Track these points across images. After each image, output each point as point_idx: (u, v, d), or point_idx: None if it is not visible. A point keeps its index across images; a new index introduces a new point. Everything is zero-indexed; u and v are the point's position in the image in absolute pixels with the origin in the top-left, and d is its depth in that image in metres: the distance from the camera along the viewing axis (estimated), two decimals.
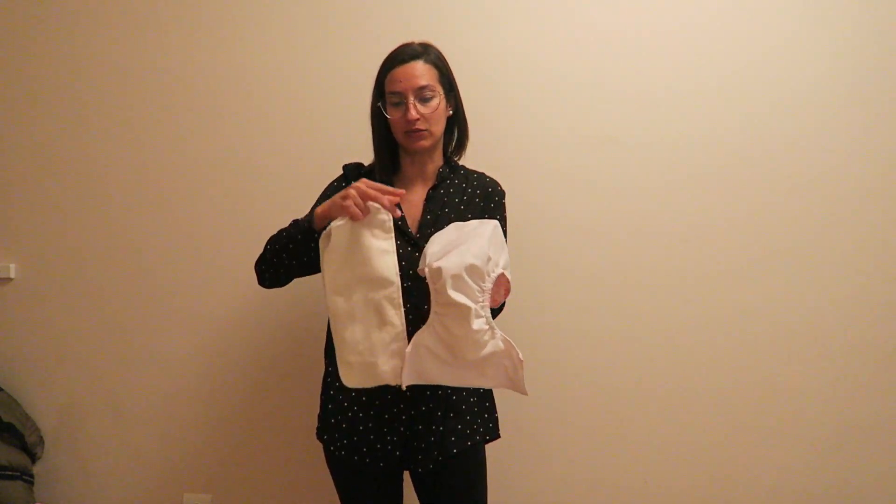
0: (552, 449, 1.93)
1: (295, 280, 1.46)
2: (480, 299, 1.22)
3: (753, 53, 1.88)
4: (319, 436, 1.48)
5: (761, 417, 1.90)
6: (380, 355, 1.25)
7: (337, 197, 1.28)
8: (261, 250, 1.43)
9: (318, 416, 1.50)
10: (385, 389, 1.35)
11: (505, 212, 1.53)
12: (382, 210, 1.26)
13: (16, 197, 2.03)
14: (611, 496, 1.93)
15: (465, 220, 1.45)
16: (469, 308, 1.20)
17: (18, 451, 1.90)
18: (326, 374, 1.50)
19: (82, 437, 2.03)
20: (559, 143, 1.91)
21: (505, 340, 1.26)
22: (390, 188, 1.28)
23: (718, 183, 1.89)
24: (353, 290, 1.26)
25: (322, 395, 1.50)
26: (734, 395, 1.90)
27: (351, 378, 1.29)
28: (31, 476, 1.92)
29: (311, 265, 1.38)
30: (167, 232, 1.99)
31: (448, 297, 1.19)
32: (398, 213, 1.28)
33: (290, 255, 1.37)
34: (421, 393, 1.39)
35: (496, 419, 1.52)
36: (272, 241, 1.41)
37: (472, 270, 1.21)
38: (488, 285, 1.23)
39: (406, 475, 1.54)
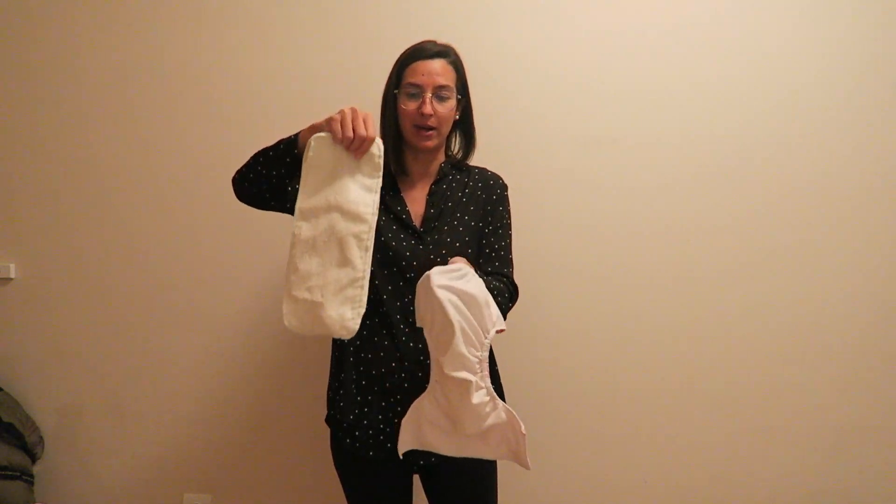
0: (551, 449, 1.93)
1: None
2: (479, 370, 1.17)
3: (753, 53, 1.88)
4: (328, 418, 1.47)
5: (761, 417, 1.90)
6: (330, 297, 1.14)
7: (326, 117, 1.25)
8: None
9: (327, 400, 1.48)
10: (389, 375, 1.36)
11: (508, 205, 1.53)
12: (377, 146, 1.21)
13: (16, 197, 2.03)
14: (610, 496, 1.93)
15: (468, 213, 1.46)
16: (469, 382, 1.15)
17: (18, 451, 1.90)
18: (334, 348, 1.48)
19: (82, 437, 2.03)
20: (559, 143, 1.91)
21: (507, 411, 1.21)
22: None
23: (719, 183, 1.90)
24: (322, 218, 1.16)
25: (330, 378, 1.49)
26: (734, 395, 1.90)
27: (292, 318, 1.17)
28: (31, 476, 1.92)
29: (282, 188, 1.34)
30: (167, 232, 1.99)
31: (446, 375, 1.15)
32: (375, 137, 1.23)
33: (267, 162, 1.33)
34: (421, 386, 1.38)
35: None
36: (255, 154, 1.37)
37: (468, 340, 1.14)
38: (485, 354, 1.17)
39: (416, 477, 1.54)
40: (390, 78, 1.48)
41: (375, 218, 1.22)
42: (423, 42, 1.46)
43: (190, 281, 1.99)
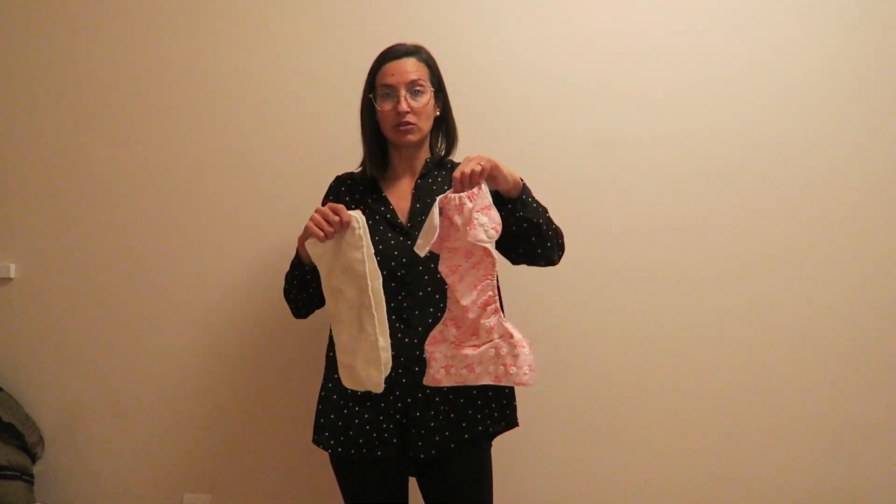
0: (551, 448, 1.93)
1: None
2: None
3: (753, 53, 1.88)
4: (315, 441, 1.48)
5: (761, 417, 1.90)
6: (360, 362, 1.33)
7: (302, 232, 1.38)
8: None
9: (314, 424, 1.49)
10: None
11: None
12: (355, 220, 1.31)
13: (16, 197, 2.03)
14: (610, 496, 1.93)
15: None
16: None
17: (18, 451, 1.90)
18: (322, 378, 1.51)
19: (82, 436, 2.03)
20: (559, 144, 1.91)
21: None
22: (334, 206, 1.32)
23: (719, 183, 1.89)
24: (337, 294, 1.35)
25: (318, 402, 1.50)
26: (734, 395, 1.90)
27: (345, 379, 1.37)
28: (31, 476, 1.92)
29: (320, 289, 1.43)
30: (167, 232, 1.99)
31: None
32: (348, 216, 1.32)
33: (298, 289, 1.48)
34: (418, 381, 1.39)
35: (514, 406, 1.51)
36: (285, 282, 1.52)
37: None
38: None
39: (412, 480, 1.54)
40: (366, 84, 1.50)
41: (380, 279, 1.32)
42: (393, 45, 1.49)
43: (190, 280, 1.99)
